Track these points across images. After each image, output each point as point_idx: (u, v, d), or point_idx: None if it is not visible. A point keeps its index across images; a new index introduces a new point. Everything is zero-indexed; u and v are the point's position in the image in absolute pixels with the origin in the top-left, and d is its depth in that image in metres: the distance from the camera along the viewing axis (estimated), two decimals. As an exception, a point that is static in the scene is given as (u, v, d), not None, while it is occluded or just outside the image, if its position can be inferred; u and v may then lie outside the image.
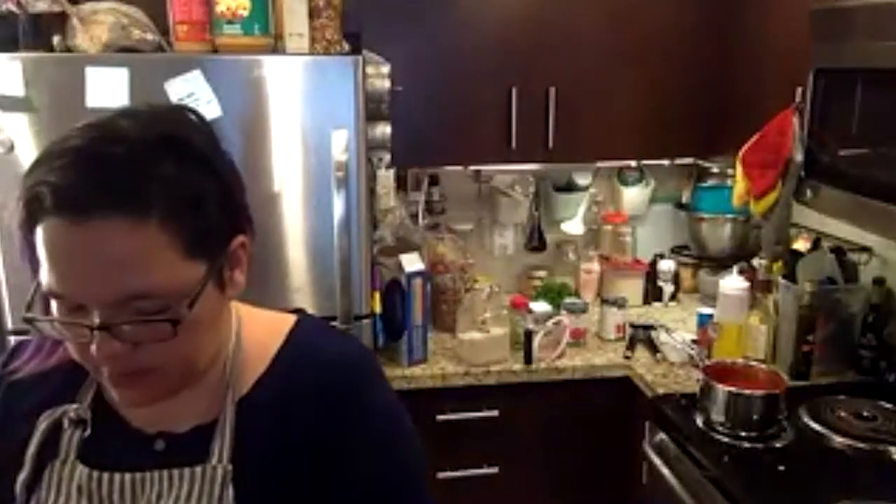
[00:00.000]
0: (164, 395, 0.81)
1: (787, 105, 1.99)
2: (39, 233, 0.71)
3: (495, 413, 2.29)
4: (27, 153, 1.85)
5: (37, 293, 0.76)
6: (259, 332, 0.90)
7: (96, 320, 0.72)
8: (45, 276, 0.73)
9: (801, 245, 2.30)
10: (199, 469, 0.82)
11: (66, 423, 0.85)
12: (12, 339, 1.92)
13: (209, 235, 0.76)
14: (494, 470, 2.33)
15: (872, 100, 1.72)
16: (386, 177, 2.20)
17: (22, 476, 0.83)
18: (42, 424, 0.85)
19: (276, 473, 0.84)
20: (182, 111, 0.81)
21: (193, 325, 0.76)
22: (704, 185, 2.80)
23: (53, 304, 0.75)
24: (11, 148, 1.84)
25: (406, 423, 0.93)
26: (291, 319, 0.94)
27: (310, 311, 2.09)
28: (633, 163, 2.81)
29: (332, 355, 0.91)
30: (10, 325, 1.91)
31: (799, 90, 1.94)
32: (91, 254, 0.70)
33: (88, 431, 0.85)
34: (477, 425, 2.28)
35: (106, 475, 0.83)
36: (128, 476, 0.83)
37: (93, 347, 0.73)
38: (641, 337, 2.44)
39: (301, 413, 0.85)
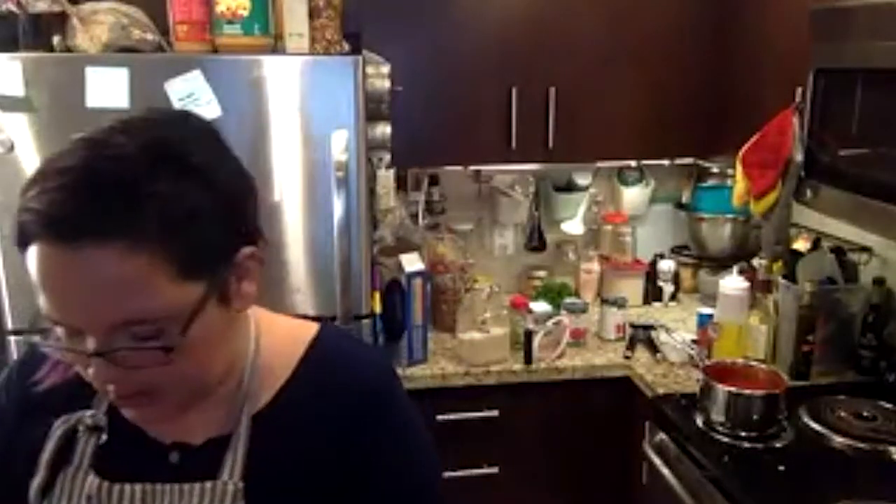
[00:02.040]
0: (173, 412, 0.80)
1: (787, 105, 1.99)
2: (30, 255, 0.70)
3: (495, 413, 2.29)
4: (27, 153, 1.85)
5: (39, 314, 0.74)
6: (279, 341, 0.88)
7: (91, 346, 0.71)
8: (40, 299, 0.71)
9: (801, 245, 2.30)
10: (209, 485, 0.81)
11: (81, 429, 0.84)
12: (12, 340, 1.92)
13: (207, 253, 0.73)
14: (494, 470, 2.33)
15: (872, 100, 1.72)
16: (386, 177, 2.20)
17: (36, 481, 0.82)
18: (58, 430, 0.84)
19: (291, 491, 0.83)
20: (183, 119, 0.79)
21: (193, 347, 0.73)
22: (704, 185, 2.80)
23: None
24: (11, 148, 1.84)
25: (425, 436, 0.92)
26: (313, 329, 0.91)
27: (310, 311, 2.10)
28: (633, 163, 2.81)
29: (354, 372, 0.89)
30: (10, 325, 1.91)
31: (799, 90, 1.94)
32: (81, 280, 0.68)
33: (104, 438, 0.84)
34: (477, 425, 2.28)
35: (117, 487, 0.82)
36: (138, 487, 0.82)
37: (90, 371, 0.72)
38: (641, 337, 2.44)
39: (321, 430, 0.84)
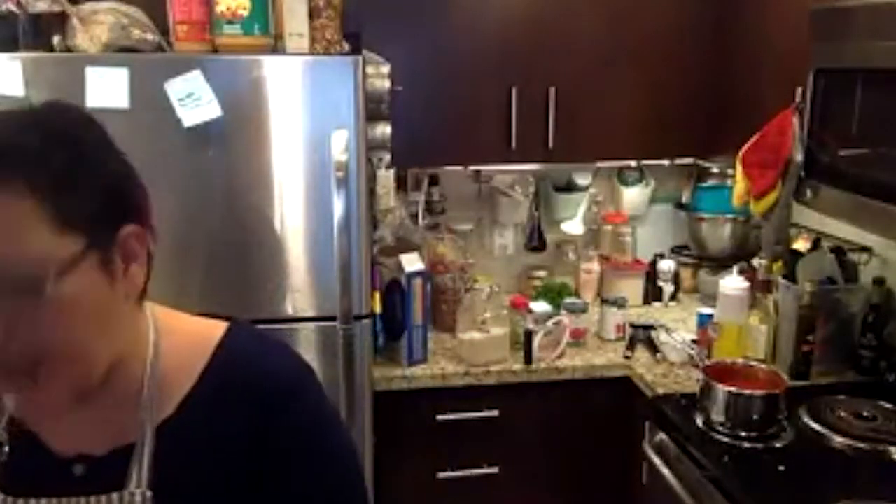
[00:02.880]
0: (60, 402, 0.77)
1: (787, 105, 1.99)
2: None
3: (495, 413, 2.29)
4: (27, 153, 1.85)
5: None
6: (183, 344, 0.86)
7: None
8: None
9: (801, 245, 2.30)
10: (116, 496, 0.79)
11: None
12: None
13: (85, 214, 0.73)
14: (494, 470, 2.33)
15: (872, 100, 1.72)
16: (386, 177, 2.20)
17: None
18: None
19: (201, 498, 0.81)
20: (67, 107, 0.81)
21: (69, 306, 0.72)
22: (704, 185, 2.80)
23: None
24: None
25: (337, 439, 0.89)
26: (220, 331, 0.88)
27: (310, 311, 2.10)
28: (633, 163, 2.81)
29: (260, 376, 0.85)
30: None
31: (799, 90, 1.94)
32: None
33: (5, 454, 0.82)
34: (477, 425, 2.28)
35: (21, 501, 0.80)
36: (43, 502, 0.80)
37: None
38: (641, 337, 2.44)
39: (229, 436, 0.82)
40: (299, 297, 2.00)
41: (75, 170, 0.74)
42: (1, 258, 0.69)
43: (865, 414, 1.87)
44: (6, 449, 0.82)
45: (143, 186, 0.81)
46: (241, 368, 0.85)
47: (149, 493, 0.79)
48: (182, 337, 0.87)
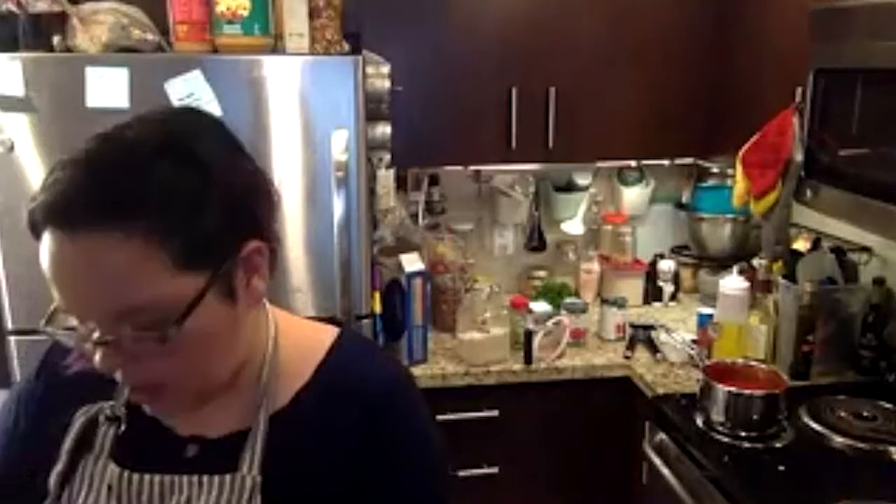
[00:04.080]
0: (186, 406, 0.82)
1: (787, 105, 1.99)
2: (41, 244, 0.72)
3: (495, 413, 2.29)
4: (27, 153, 1.85)
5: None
6: (299, 342, 0.90)
7: (95, 335, 0.72)
8: (52, 289, 0.73)
9: (801, 245, 2.30)
10: (228, 477, 0.82)
11: (101, 419, 0.85)
12: (12, 340, 1.92)
13: (208, 244, 0.74)
14: (494, 470, 2.33)
15: (872, 100, 1.72)
16: (386, 177, 2.20)
17: (57, 469, 0.83)
18: (79, 420, 0.85)
19: (305, 490, 0.84)
20: (193, 114, 0.81)
21: (194, 340, 0.74)
22: (704, 185, 2.80)
23: (60, 317, 0.76)
24: (11, 148, 1.84)
25: (436, 452, 0.93)
26: (333, 333, 0.93)
27: (310, 311, 2.10)
28: (633, 163, 2.81)
29: (368, 382, 0.89)
30: (10, 325, 1.91)
31: (799, 90, 1.94)
32: (80, 269, 0.70)
33: (123, 428, 0.85)
34: (477, 425, 2.28)
35: (136, 476, 0.83)
36: (157, 478, 0.83)
37: (96, 359, 0.73)
38: (641, 337, 2.44)
39: (334, 434, 0.85)
40: (299, 297, 2.00)
41: (201, 200, 0.73)
42: (121, 304, 0.70)
43: (865, 414, 1.87)
44: (124, 425, 0.85)
45: (268, 191, 0.82)
46: (350, 371, 0.89)
47: (259, 478, 0.81)
48: (299, 338, 0.90)
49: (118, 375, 0.76)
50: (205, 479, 0.82)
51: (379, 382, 0.90)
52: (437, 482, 0.92)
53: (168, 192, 0.71)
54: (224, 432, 0.85)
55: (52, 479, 0.83)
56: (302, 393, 0.87)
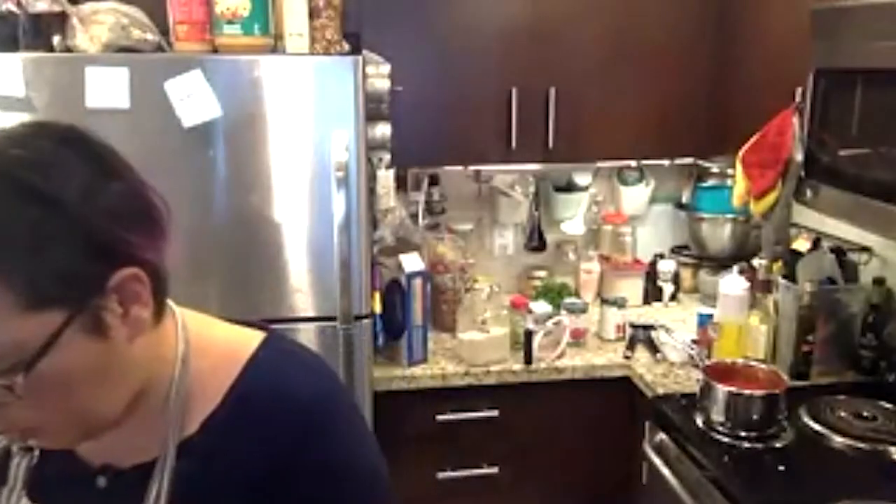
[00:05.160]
0: (73, 443, 0.77)
1: (787, 105, 1.99)
2: None
3: (495, 413, 2.29)
4: (27, 153, 1.84)
5: None
6: (215, 356, 0.83)
7: None
8: None
9: (801, 245, 2.30)
10: None
11: (14, 449, 0.82)
12: None
13: (61, 280, 0.66)
14: (494, 470, 2.33)
15: (872, 100, 1.72)
16: (386, 177, 2.20)
17: None
18: None
19: None
20: (41, 138, 0.71)
21: (55, 383, 0.68)
22: (704, 185, 2.79)
23: None
24: None
25: (361, 483, 0.84)
26: (253, 345, 0.84)
27: (310, 311, 2.09)
28: (633, 163, 2.81)
29: (284, 403, 0.81)
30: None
31: (799, 90, 1.94)
32: None
33: (36, 459, 0.82)
34: (477, 425, 2.28)
35: None
36: None
37: None
38: (641, 337, 2.43)
39: (243, 466, 0.79)
40: (299, 297, 2.00)
41: (45, 237, 0.66)
42: None
43: (865, 414, 1.87)
44: (36, 454, 0.82)
45: (145, 211, 0.74)
46: (262, 392, 0.81)
47: None
48: (214, 349, 0.83)
49: None
50: None
51: (294, 405, 0.81)
52: None
53: (5, 229, 0.65)
54: (134, 462, 0.80)
55: None
56: (211, 418, 0.80)
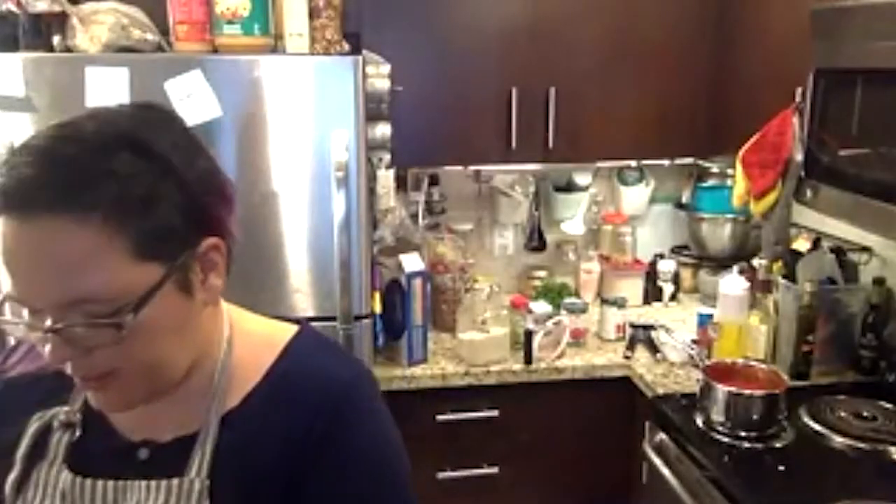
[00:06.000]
0: (135, 401, 0.80)
1: (787, 105, 1.99)
2: None
3: (495, 413, 2.29)
4: (27, 153, 1.84)
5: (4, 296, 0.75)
6: (254, 342, 0.89)
7: (47, 323, 0.71)
8: (4, 278, 0.72)
9: (801, 245, 2.30)
10: (176, 482, 0.81)
11: (56, 425, 0.85)
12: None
13: (164, 237, 0.74)
14: (494, 470, 2.33)
15: (872, 100, 1.72)
16: (386, 177, 2.20)
17: (12, 476, 0.84)
18: (33, 426, 0.85)
19: (252, 492, 0.83)
20: (152, 110, 0.80)
21: (148, 330, 0.74)
22: (704, 185, 2.79)
23: (7, 307, 0.74)
24: (11, 148, 1.84)
25: (389, 462, 0.88)
26: (290, 332, 0.91)
27: (310, 311, 2.09)
28: (633, 163, 2.81)
29: (318, 388, 0.86)
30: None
31: (799, 90, 1.94)
32: (35, 254, 0.70)
33: (77, 435, 0.85)
34: (477, 425, 2.28)
35: (88, 482, 0.83)
36: (110, 483, 0.83)
37: (47, 350, 0.73)
38: (641, 337, 2.43)
39: (281, 440, 0.83)
40: (299, 297, 2.00)
41: (158, 193, 0.73)
42: (75, 292, 0.70)
43: (865, 414, 1.87)
44: (78, 430, 0.85)
45: (226, 191, 0.82)
46: (299, 375, 0.87)
47: (207, 482, 0.81)
48: (253, 338, 0.89)
49: (68, 367, 0.75)
50: (153, 483, 0.82)
51: (328, 388, 0.86)
52: (386, 493, 0.87)
53: (125, 182, 0.71)
54: (175, 435, 0.84)
55: (7, 488, 0.83)
56: (253, 392, 0.86)
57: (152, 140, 0.75)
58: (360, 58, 1.96)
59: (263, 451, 0.83)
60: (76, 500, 0.82)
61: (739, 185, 2.16)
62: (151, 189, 0.73)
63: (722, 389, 1.84)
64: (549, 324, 2.37)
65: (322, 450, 0.83)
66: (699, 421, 1.89)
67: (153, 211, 0.73)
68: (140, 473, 0.83)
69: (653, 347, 2.38)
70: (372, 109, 2.07)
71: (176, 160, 0.75)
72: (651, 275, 2.79)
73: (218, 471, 0.82)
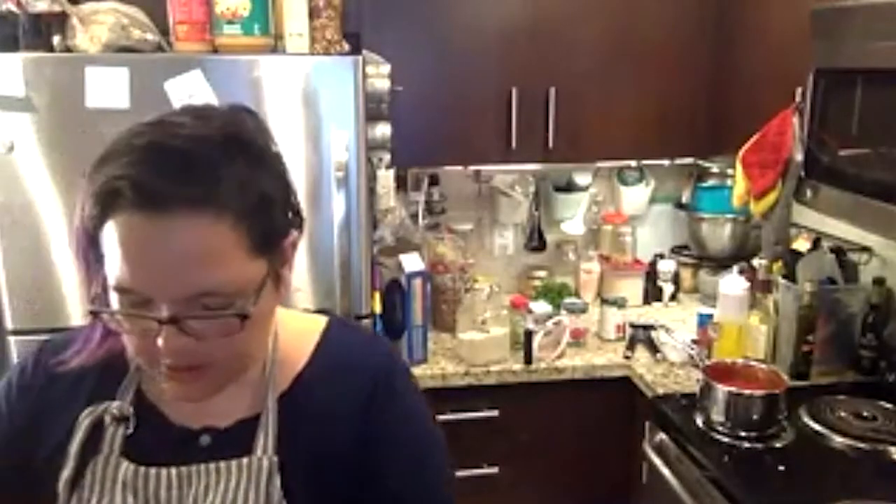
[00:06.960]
0: (216, 390, 0.83)
1: (787, 105, 1.99)
2: (112, 227, 0.73)
3: (495, 413, 2.29)
4: (27, 153, 1.85)
5: (97, 286, 0.77)
6: (295, 330, 0.93)
7: (165, 314, 0.73)
8: (115, 270, 0.73)
9: (801, 245, 2.30)
10: (245, 461, 0.84)
11: (107, 419, 0.86)
12: (12, 340, 1.92)
13: (273, 234, 0.79)
14: (494, 470, 2.33)
15: (872, 100, 1.72)
16: (386, 177, 2.20)
17: (66, 473, 0.83)
18: (84, 421, 0.85)
19: (317, 466, 0.86)
20: (247, 113, 0.83)
21: (255, 321, 0.78)
22: (704, 185, 2.79)
23: (115, 297, 0.75)
24: (11, 148, 1.84)
25: (431, 422, 0.98)
26: (323, 319, 0.97)
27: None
28: (633, 163, 2.81)
29: (362, 357, 0.94)
30: (10, 325, 1.91)
31: (799, 90, 1.94)
32: (167, 249, 0.72)
33: (131, 428, 0.86)
34: (477, 425, 2.28)
35: (153, 470, 0.84)
36: (174, 470, 0.84)
37: (159, 341, 0.74)
38: (641, 337, 2.44)
39: (337, 409, 0.89)
40: (299, 297, 2.00)
41: (269, 194, 0.78)
42: (205, 284, 0.74)
43: (865, 414, 1.87)
44: (132, 423, 0.86)
45: (292, 188, 0.85)
46: (347, 348, 0.94)
47: (275, 458, 0.84)
48: (292, 328, 0.94)
49: (165, 359, 0.76)
50: (221, 464, 0.84)
51: (378, 357, 0.95)
52: (437, 454, 0.96)
53: (249, 183, 0.76)
54: (233, 421, 0.87)
55: (61, 486, 0.83)
56: (303, 373, 0.90)
57: (256, 141, 0.79)
58: (360, 58, 1.96)
59: (323, 425, 0.88)
60: (139, 491, 0.83)
61: (739, 185, 2.16)
62: (266, 188, 0.78)
63: (722, 389, 1.84)
64: (549, 324, 2.37)
65: (377, 413, 0.89)
66: (699, 421, 1.89)
67: (269, 211, 0.78)
68: (203, 458, 0.84)
69: (653, 347, 2.38)
70: (372, 109, 2.07)
71: (274, 158, 0.81)
72: (651, 275, 2.79)
73: (283, 448, 0.85)
